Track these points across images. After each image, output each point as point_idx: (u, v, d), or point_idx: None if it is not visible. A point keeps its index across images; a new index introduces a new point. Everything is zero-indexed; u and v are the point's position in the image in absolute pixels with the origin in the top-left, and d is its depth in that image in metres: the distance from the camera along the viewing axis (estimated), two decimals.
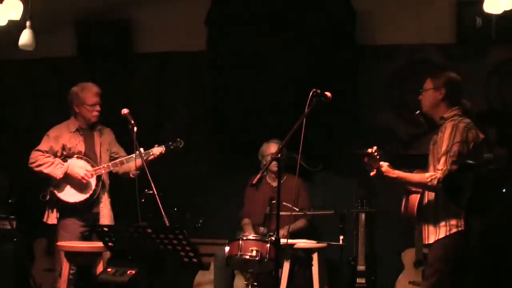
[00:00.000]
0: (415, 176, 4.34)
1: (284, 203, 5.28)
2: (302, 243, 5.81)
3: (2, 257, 6.45)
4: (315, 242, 5.87)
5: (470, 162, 3.87)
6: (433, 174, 4.20)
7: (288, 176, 6.23)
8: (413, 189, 4.44)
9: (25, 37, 5.50)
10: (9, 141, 7.57)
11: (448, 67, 6.37)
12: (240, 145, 6.81)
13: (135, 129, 5.22)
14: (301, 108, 4.21)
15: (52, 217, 5.67)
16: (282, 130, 4.33)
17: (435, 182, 4.15)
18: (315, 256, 5.77)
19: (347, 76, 6.65)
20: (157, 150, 5.69)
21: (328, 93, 4.23)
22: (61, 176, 5.58)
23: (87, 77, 7.21)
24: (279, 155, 4.21)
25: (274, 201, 5.39)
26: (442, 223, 4.23)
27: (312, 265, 5.76)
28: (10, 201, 6.63)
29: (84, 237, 5.62)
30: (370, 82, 6.82)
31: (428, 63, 6.66)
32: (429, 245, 4.35)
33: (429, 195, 4.36)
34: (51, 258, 6.68)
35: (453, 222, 4.18)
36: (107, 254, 5.32)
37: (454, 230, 4.18)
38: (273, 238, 4.91)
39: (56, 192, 5.62)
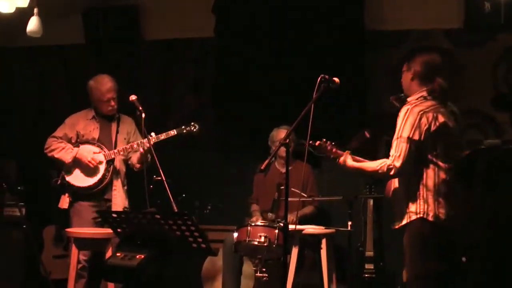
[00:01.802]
0: (368, 165, 4.23)
1: (292, 189, 5.28)
2: (310, 228, 5.81)
3: (12, 244, 6.49)
4: (323, 228, 5.87)
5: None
6: (383, 161, 4.10)
7: (297, 162, 6.23)
8: None
9: (33, 24, 5.52)
10: (17, 129, 7.59)
11: (456, 52, 6.36)
12: (247, 131, 6.80)
13: (143, 115, 5.24)
14: (308, 94, 4.20)
15: (64, 202, 5.72)
16: (290, 117, 4.32)
17: (385, 168, 4.05)
18: (323, 241, 5.77)
19: (353, 62, 6.62)
20: (166, 134, 5.65)
21: (336, 79, 4.21)
22: (70, 160, 5.63)
23: (95, 64, 7.26)
24: (287, 140, 4.21)
25: (282, 187, 5.39)
26: (404, 210, 4.14)
27: (321, 248, 5.75)
28: (19, 188, 6.66)
29: (97, 223, 5.58)
30: (376, 68, 6.79)
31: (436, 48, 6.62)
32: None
33: (395, 181, 4.26)
34: (60, 245, 6.73)
35: (413, 209, 4.09)
36: (116, 240, 5.34)
37: (413, 217, 4.09)
38: (282, 224, 4.93)
39: (66, 176, 5.68)
